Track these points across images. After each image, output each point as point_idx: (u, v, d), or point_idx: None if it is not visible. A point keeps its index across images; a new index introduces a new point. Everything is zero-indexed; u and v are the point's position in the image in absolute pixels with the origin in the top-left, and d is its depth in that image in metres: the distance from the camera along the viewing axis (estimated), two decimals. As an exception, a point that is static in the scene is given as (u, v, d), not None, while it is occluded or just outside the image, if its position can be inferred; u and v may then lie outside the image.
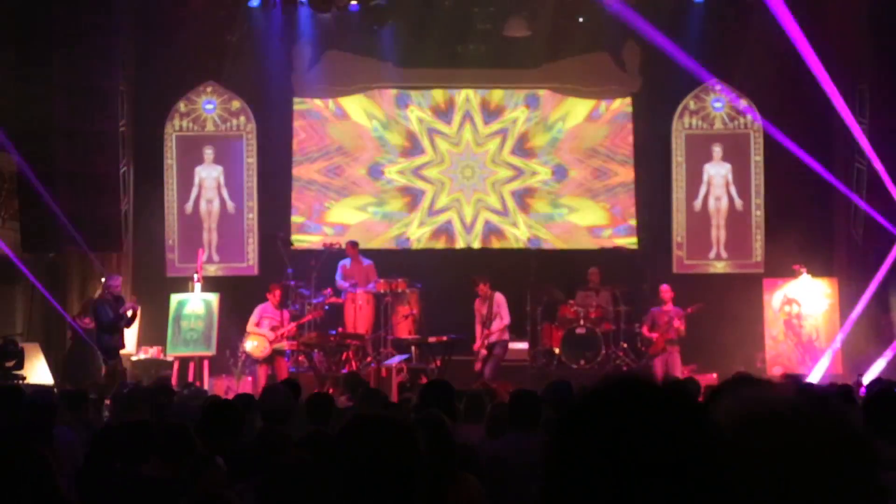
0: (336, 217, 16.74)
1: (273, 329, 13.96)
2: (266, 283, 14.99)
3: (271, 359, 13.94)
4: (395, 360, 13.89)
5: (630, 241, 16.68)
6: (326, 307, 14.60)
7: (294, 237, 16.29)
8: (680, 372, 13.96)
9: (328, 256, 15.17)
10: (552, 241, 16.77)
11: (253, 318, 14.06)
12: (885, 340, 14.20)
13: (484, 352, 13.95)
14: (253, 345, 13.96)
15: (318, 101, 16.86)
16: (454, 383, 6.42)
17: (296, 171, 16.77)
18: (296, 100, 16.83)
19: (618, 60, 16.60)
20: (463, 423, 6.43)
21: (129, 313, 13.43)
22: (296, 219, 16.67)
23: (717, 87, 16.46)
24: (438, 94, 16.97)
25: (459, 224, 16.80)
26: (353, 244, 15.24)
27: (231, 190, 16.46)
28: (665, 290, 14.48)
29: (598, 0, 15.46)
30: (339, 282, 14.88)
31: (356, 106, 16.84)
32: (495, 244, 16.76)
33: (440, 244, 16.76)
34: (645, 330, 14.49)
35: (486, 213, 16.82)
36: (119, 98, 14.91)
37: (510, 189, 16.82)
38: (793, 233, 15.20)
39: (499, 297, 14.03)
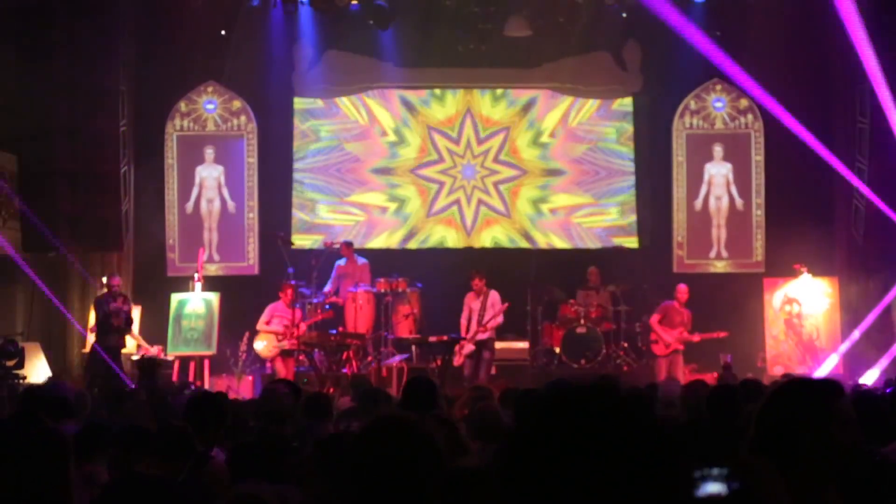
0: (336, 217, 16.76)
1: (284, 328, 13.93)
2: (266, 283, 15.03)
3: (281, 358, 13.92)
4: (396, 360, 13.90)
5: (630, 241, 16.69)
6: (327, 306, 14.60)
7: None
8: (682, 374, 13.94)
9: (328, 256, 15.17)
10: (552, 240, 16.77)
11: (263, 317, 14.04)
12: (885, 340, 14.20)
13: (471, 346, 13.83)
14: (262, 344, 13.96)
15: (320, 101, 16.85)
16: (454, 382, 6.40)
17: (298, 169, 16.77)
18: (297, 100, 16.82)
19: (619, 60, 16.60)
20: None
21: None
22: (300, 211, 16.68)
23: (718, 87, 16.47)
24: (439, 94, 16.96)
25: (460, 224, 16.80)
26: (348, 244, 15.27)
27: (232, 189, 16.46)
28: (683, 291, 14.38)
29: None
30: (327, 287, 14.88)
31: (356, 105, 16.84)
32: (495, 244, 16.76)
33: (440, 244, 16.76)
34: (655, 320, 14.34)
35: (486, 212, 16.82)
36: (119, 98, 14.92)
37: (510, 188, 16.82)
38: (793, 232, 15.20)
39: (494, 295, 13.98)
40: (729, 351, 14.49)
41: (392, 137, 16.84)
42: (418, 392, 5.97)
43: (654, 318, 14.37)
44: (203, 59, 16.09)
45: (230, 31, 16.10)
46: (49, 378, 12.25)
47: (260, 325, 14.03)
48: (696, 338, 14.19)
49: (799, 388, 2.87)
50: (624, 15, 16.06)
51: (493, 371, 14.13)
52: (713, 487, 1.62)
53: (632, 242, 16.70)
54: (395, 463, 2.44)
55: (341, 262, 15.15)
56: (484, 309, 13.89)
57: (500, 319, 13.98)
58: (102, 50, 14.51)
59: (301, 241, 16.22)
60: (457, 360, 13.79)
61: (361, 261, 15.19)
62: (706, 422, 5.42)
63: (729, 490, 1.64)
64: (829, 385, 2.90)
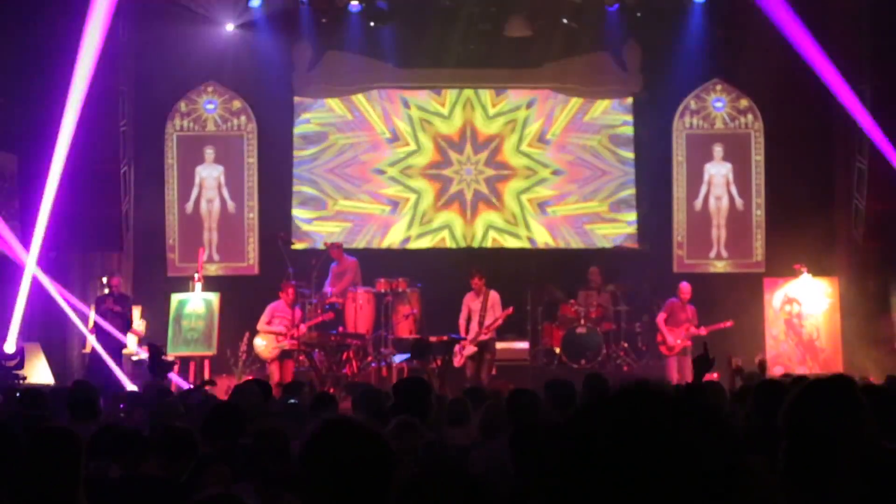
0: (336, 217, 16.78)
1: (284, 329, 13.87)
2: (266, 283, 15.02)
3: (280, 359, 13.87)
4: (396, 360, 13.88)
5: (630, 241, 16.69)
6: (327, 306, 14.61)
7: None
8: (691, 374, 13.88)
9: (328, 256, 15.18)
10: (552, 240, 16.77)
11: (264, 317, 13.92)
12: (885, 340, 14.21)
13: (473, 348, 13.80)
14: (262, 344, 13.87)
15: (320, 101, 16.86)
16: (455, 382, 6.37)
17: (298, 170, 16.78)
18: (297, 100, 16.84)
19: (618, 60, 16.60)
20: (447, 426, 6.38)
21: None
22: (300, 211, 16.69)
23: (718, 87, 16.47)
24: (439, 94, 16.96)
25: (460, 224, 16.80)
26: (337, 245, 15.29)
27: (231, 189, 16.46)
28: (685, 290, 14.30)
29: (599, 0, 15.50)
30: (325, 288, 14.90)
31: (357, 106, 16.85)
32: (496, 244, 16.77)
33: (441, 244, 16.76)
34: (661, 320, 14.28)
35: (486, 212, 16.82)
36: (119, 98, 14.91)
37: (510, 188, 16.82)
38: (793, 232, 15.20)
39: (494, 296, 13.95)
40: (729, 351, 14.46)
41: (401, 141, 16.82)
42: (411, 393, 5.92)
43: (660, 318, 14.31)
44: (203, 58, 16.09)
45: (232, 31, 16.10)
46: (76, 380, 12.20)
47: (260, 326, 13.96)
48: (704, 331, 14.11)
49: (820, 388, 2.86)
50: (635, 16, 16.02)
51: (493, 371, 14.13)
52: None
53: (632, 242, 16.70)
54: (345, 465, 2.41)
55: (334, 264, 15.18)
56: (485, 310, 13.86)
57: (499, 321, 13.97)
58: (102, 50, 14.49)
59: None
60: (458, 361, 13.76)
61: (350, 259, 15.21)
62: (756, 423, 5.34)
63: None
64: (843, 379, 2.90)
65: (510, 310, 13.92)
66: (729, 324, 14.25)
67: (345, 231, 16.58)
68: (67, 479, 3.01)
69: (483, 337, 13.79)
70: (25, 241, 14.28)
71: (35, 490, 2.98)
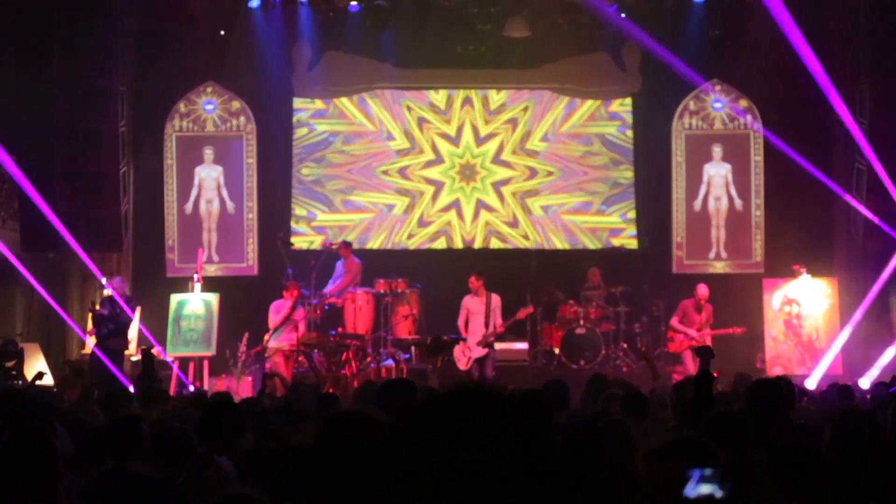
0: (335, 218, 16.78)
1: (285, 319, 13.85)
2: (265, 284, 15.03)
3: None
4: (387, 363, 13.88)
5: (629, 241, 16.70)
6: (326, 307, 14.60)
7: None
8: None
9: (328, 256, 15.19)
10: (552, 241, 16.77)
11: (271, 315, 13.93)
12: (885, 340, 14.20)
13: (482, 350, 13.67)
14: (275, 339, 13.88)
15: (319, 102, 16.88)
16: (454, 383, 6.29)
17: (297, 170, 16.78)
18: (297, 100, 16.85)
19: (618, 61, 16.60)
20: None
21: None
22: (300, 211, 16.71)
23: (717, 88, 16.46)
24: (438, 95, 16.97)
25: (459, 224, 16.81)
26: (347, 244, 15.29)
27: (231, 190, 16.45)
28: (701, 296, 14.24)
29: (598, 1, 15.49)
30: (326, 287, 14.89)
31: (356, 106, 16.85)
32: (495, 244, 16.77)
33: (440, 244, 16.76)
34: (676, 322, 14.23)
35: (485, 213, 16.83)
36: (119, 98, 14.92)
37: (510, 189, 16.82)
38: (793, 233, 15.20)
39: (496, 300, 13.82)
40: (728, 351, 14.42)
41: (400, 141, 16.83)
42: (396, 392, 5.88)
43: (674, 321, 14.28)
44: (203, 59, 16.09)
45: (230, 31, 16.11)
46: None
47: (272, 324, 13.92)
48: (708, 335, 13.97)
49: None
50: (623, 15, 16.04)
51: (493, 372, 14.08)
52: (706, 489, 1.62)
53: (631, 243, 16.70)
54: (357, 457, 2.39)
55: (339, 262, 15.19)
56: (489, 310, 13.66)
57: (500, 328, 13.80)
58: (102, 50, 14.52)
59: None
60: (465, 365, 13.61)
61: (356, 261, 15.23)
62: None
63: (723, 492, 1.64)
64: None
65: (531, 308, 13.86)
66: (740, 330, 14.21)
67: (344, 231, 16.57)
68: (43, 482, 3.00)
69: (491, 338, 13.66)
70: (25, 242, 14.30)
71: (13, 492, 2.97)
